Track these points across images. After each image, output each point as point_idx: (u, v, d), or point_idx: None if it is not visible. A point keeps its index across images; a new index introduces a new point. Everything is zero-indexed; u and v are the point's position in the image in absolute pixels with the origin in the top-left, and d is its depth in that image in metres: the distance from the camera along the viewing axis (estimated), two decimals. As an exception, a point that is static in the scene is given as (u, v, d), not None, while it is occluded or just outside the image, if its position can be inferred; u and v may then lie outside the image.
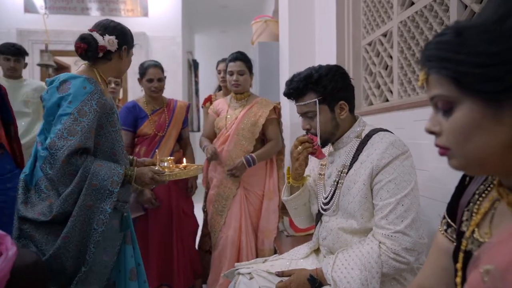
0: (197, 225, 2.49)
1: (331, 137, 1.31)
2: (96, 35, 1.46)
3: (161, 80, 2.35)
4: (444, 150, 0.56)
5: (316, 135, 1.29)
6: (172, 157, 1.83)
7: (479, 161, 0.53)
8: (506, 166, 0.53)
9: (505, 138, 0.50)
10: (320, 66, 1.29)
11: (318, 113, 1.25)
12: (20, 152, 1.83)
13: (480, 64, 0.49)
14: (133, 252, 1.53)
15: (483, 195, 0.63)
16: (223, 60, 2.82)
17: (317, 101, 1.25)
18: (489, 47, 0.49)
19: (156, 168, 1.62)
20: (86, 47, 1.45)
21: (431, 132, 0.58)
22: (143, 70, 2.33)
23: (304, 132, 1.35)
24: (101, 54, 1.47)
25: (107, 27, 1.50)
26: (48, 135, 1.36)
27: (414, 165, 1.20)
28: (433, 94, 0.56)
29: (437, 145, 0.57)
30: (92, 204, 1.34)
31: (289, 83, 1.30)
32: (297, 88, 1.27)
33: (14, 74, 2.74)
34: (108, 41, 1.46)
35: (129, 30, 1.61)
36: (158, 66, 2.35)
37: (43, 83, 2.94)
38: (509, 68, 0.48)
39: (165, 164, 1.76)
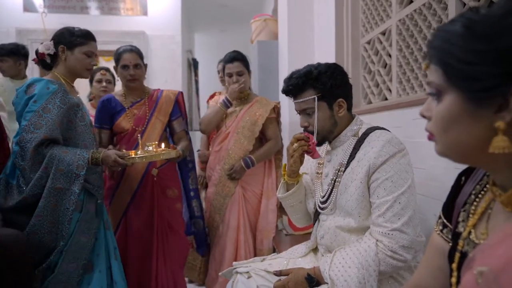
0: (188, 246, 2.21)
1: (329, 135, 1.30)
2: (40, 45, 1.63)
3: (139, 66, 2.03)
4: (430, 135, 0.58)
5: (314, 133, 1.28)
6: (156, 142, 1.79)
7: (458, 151, 0.55)
8: (487, 161, 0.53)
9: (480, 136, 0.51)
10: (319, 64, 1.29)
11: (316, 110, 1.25)
12: (8, 159, 1.68)
13: (466, 61, 0.49)
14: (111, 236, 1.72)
15: (480, 195, 0.63)
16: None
17: (316, 98, 1.25)
18: (477, 44, 0.48)
19: (139, 152, 1.73)
20: (37, 60, 1.66)
21: (423, 116, 0.59)
22: (117, 56, 2.04)
23: (302, 130, 1.35)
24: (48, 60, 1.64)
25: (53, 35, 1.65)
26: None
27: (411, 163, 1.20)
28: (428, 80, 0.57)
29: (426, 130, 0.59)
30: (62, 187, 1.50)
31: (288, 80, 1.30)
32: (297, 84, 1.27)
33: (3, 74, 2.72)
34: (44, 46, 1.62)
35: (73, 29, 1.66)
36: (134, 50, 2.05)
37: None
38: (490, 70, 0.47)
39: (150, 148, 1.72)
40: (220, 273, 1.54)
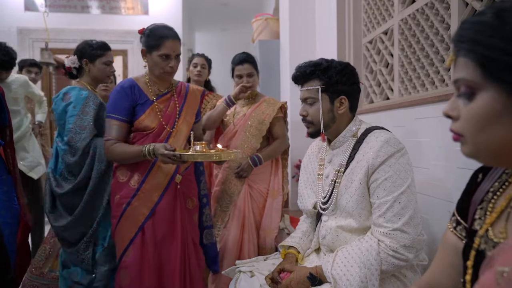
0: (204, 261, 1.90)
1: (325, 129, 1.31)
2: (66, 60, 1.95)
3: (179, 57, 1.68)
4: (457, 136, 0.54)
5: (311, 124, 1.31)
6: (205, 142, 1.58)
7: (491, 152, 0.51)
8: None
9: None
10: (332, 59, 1.31)
11: (320, 101, 1.27)
12: (13, 157, 1.74)
13: (510, 52, 0.46)
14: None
15: (498, 193, 0.61)
16: (198, 54, 2.84)
17: (320, 89, 1.26)
18: None
19: (189, 152, 1.53)
20: (64, 71, 1.99)
21: (448, 116, 0.55)
22: (155, 40, 1.63)
23: (302, 122, 1.36)
24: (75, 72, 1.96)
25: (75, 49, 1.96)
26: (63, 135, 1.84)
27: (410, 162, 1.20)
28: (457, 77, 0.53)
29: (451, 130, 0.55)
30: (104, 169, 1.78)
31: (298, 67, 1.33)
32: (304, 72, 1.30)
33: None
34: (69, 60, 1.94)
35: (92, 43, 1.92)
36: (178, 38, 1.68)
37: (26, 77, 2.98)
38: None
39: (198, 148, 1.56)
40: (223, 272, 1.54)
